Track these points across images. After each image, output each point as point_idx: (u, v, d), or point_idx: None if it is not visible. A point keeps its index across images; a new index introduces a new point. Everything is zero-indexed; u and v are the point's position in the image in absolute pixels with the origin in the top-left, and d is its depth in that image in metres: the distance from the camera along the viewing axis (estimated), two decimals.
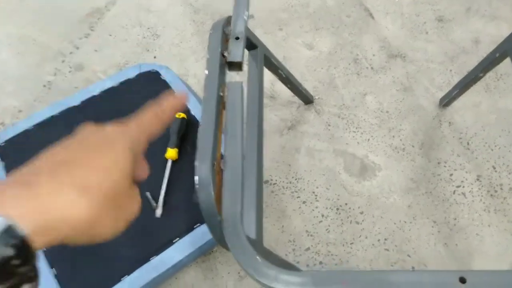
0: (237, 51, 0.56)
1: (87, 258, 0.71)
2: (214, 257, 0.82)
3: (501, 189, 0.87)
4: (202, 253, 0.79)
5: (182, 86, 0.90)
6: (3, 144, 0.84)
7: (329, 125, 0.99)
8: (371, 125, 0.98)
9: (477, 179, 0.89)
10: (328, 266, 0.80)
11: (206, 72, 0.53)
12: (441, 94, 1.01)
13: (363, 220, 0.85)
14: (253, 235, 0.51)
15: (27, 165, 0.25)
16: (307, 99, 1.00)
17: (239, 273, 0.80)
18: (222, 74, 0.54)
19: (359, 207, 0.87)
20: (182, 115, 0.84)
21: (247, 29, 0.60)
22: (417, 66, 1.08)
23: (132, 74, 0.93)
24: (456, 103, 0.98)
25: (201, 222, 0.74)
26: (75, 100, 0.89)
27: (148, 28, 1.20)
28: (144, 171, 0.31)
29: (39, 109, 1.03)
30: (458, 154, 0.92)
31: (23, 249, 0.21)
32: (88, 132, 0.28)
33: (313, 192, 0.89)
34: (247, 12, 0.60)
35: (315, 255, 0.82)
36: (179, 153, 0.81)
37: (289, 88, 0.91)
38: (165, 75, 0.92)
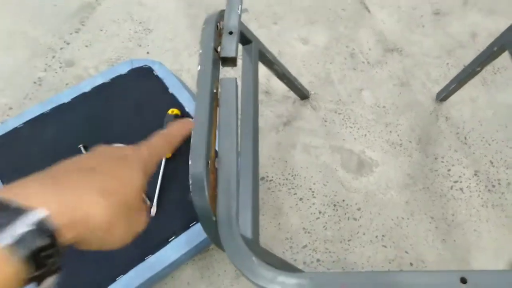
0: (231, 46, 0.54)
1: (81, 258, 0.70)
2: (211, 255, 0.81)
3: (499, 184, 0.87)
4: (198, 252, 0.78)
5: (176, 82, 0.88)
6: None
7: (325, 121, 0.98)
8: (367, 121, 0.97)
9: (475, 174, 0.88)
10: (325, 263, 0.80)
11: (199, 68, 0.51)
12: (438, 88, 1.00)
13: (360, 217, 0.84)
14: (249, 235, 0.50)
15: (52, 167, 0.27)
16: (303, 95, 0.98)
17: (236, 271, 0.79)
18: (215, 70, 0.52)
19: (356, 204, 0.86)
20: (176, 111, 0.82)
21: (241, 23, 0.58)
22: (413, 60, 1.07)
23: (123, 70, 0.91)
24: (453, 98, 0.97)
25: (197, 220, 0.73)
26: (66, 97, 0.87)
27: (140, 23, 1.18)
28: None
29: (30, 106, 1.01)
30: (455, 149, 0.92)
31: (53, 242, 0.22)
32: (105, 149, 0.30)
33: (310, 189, 0.88)
34: (241, 5, 0.58)
35: (313, 252, 0.81)
36: None
37: (284, 83, 0.90)
38: (158, 71, 0.90)
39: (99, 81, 0.89)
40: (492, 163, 0.90)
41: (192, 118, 0.83)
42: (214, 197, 0.45)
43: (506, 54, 0.72)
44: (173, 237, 0.72)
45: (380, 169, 0.90)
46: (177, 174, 0.78)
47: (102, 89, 0.88)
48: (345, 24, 1.14)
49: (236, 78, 0.53)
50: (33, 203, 0.21)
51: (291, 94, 0.99)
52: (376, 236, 0.82)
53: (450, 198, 0.86)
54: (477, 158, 0.90)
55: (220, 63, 0.55)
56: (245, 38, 0.66)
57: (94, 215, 0.24)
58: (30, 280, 0.21)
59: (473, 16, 1.14)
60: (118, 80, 0.89)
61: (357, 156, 0.92)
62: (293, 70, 0.98)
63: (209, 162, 0.45)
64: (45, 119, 0.85)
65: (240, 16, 0.58)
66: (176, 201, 0.76)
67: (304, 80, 1.03)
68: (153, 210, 0.74)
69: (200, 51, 0.52)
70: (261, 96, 1.01)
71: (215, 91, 0.51)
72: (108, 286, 0.67)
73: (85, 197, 0.24)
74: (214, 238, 0.45)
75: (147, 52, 1.12)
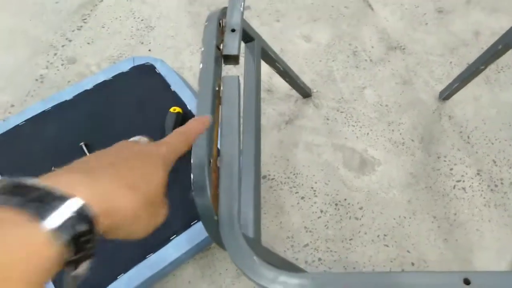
0: (233, 44, 0.54)
1: None
2: (212, 253, 0.81)
3: (502, 183, 0.86)
4: (199, 250, 0.78)
5: (178, 79, 0.88)
6: None
7: (327, 119, 0.97)
8: (370, 119, 0.96)
9: (478, 174, 0.88)
10: (327, 262, 0.79)
11: (201, 65, 0.51)
12: (441, 87, 0.99)
13: (362, 216, 0.84)
14: (250, 234, 0.50)
15: (86, 158, 0.28)
16: (305, 93, 0.98)
17: (237, 270, 0.79)
18: (217, 68, 0.52)
19: (358, 203, 0.85)
20: (178, 109, 0.82)
21: (243, 21, 0.58)
22: (416, 58, 1.06)
23: (125, 67, 0.90)
24: (456, 96, 0.97)
25: (198, 219, 0.73)
26: (68, 94, 0.87)
27: (142, 20, 1.17)
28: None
29: (31, 103, 1.01)
30: (458, 148, 0.91)
31: (92, 228, 0.23)
32: (130, 144, 0.32)
33: (312, 188, 0.88)
34: (243, 3, 0.58)
35: (314, 251, 0.80)
36: None
37: (286, 81, 0.89)
38: (159, 68, 0.90)
39: (101, 78, 0.89)
40: (495, 162, 0.89)
41: (194, 116, 0.83)
42: (216, 196, 0.45)
43: (510, 52, 0.71)
44: (174, 236, 0.72)
45: (383, 168, 0.90)
46: (178, 173, 0.78)
47: (104, 87, 0.88)
48: (348, 21, 1.14)
49: (238, 76, 0.53)
50: (74, 192, 0.23)
51: (293, 92, 0.99)
52: (378, 236, 0.82)
53: (453, 198, 0.85)
54: (480, 157, 0.90)
55: (222, 61, 0.54)
56: (248, 36, 0.66)
57: (124, 206, 0.26)
58: (68, 263, 0.23)
59: (476, 14, 1.13)
60: (120, 78, 0.89)
61: (359, 155, 0.92)
62: (295, 68, 0.97)
63: (211, 160, 0.45)
64: (47, 116, 0.85)
65: (242, 13, 0.57)
66: (177, 200, 0.76)
67: (306, 78, 1.02)
68: None
69: (202, 48, 0.52)
70: (263, 94, 1.01)
71: (217, 89, 0.50)
72: (109, 284, 0.67)
73: (116, 190, 0.26)
74: (215, 237, 0.44)
75: (149, 50, 1.11)
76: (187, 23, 1.16)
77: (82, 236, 0.23)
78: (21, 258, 0.20)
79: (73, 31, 1.16)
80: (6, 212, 0.21)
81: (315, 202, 0.86)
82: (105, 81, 0.89)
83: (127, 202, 0.27)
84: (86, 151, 0.79)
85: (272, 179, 0.89)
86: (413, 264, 0.78)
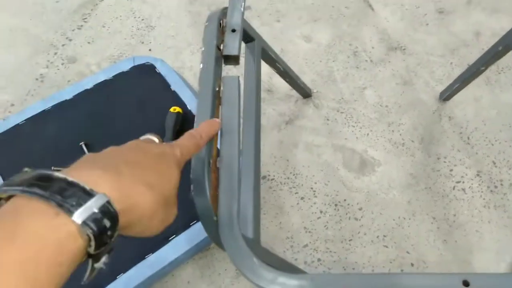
0: (234, 44, 0.54)
1: None
2: (211, 254, 0.81)
3: (501, 184, 0.86)
4: (198, 250, 0.77)
5: (178, 79, 0.88)
6: None
7: (327, 120, 0.97)
8: (370, 120, 0.96)
9: (477, 175, 0.88)
10: (326, 263, 0.79)
11: (201, 65, 0.51)
12: (441, 87, 0.99)
13: (362, 217, 0.84)
14: (250, 234, 0.50)
15: (106, 154, 0.29)
16: (305, 93, 0.98)
17: (236, 270, 0.79)
18: (218, 68, 0.51)
19: (358, 203, 0.85)
20: (178, 109, 0.82)
21: (244, 21, 0.57)
22: (417, 59, 1.06)
23: (126, 67, 0.90)
24: (457, 97, 0.97)
25: (197, 219, 0.73)
26: (68, 94, 0.87)
27: (143, 20, 1.17)
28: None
29: (32, 102, 1.01)
30: (458, 149, 0.91)
31: (115, 224, 0.24)
32: (146, 144, 0.33)
33: (312, 188, 0.88)
34: (244, 3, 0.58)
35: (313, 252, 0.80)
36: None
37: (287, 81, 0.89)
38: (160, 68, 0.90)
39: (101, 78, 0.89)
40: (494, 163, 0.89)
41: (194, 116, 0.83)
42: (216, 196, 0.45)
43: (511, 53, 0.71)
44: (174, 236, 0.72)
45: (382, 168, 0.90)
46: None
47: (104, 86, 0.88)
48: (348, 22, 1.14)
49: (238, 76, 0.53)
50: (98, 188, 0.24)
51: (294, 92, 0.99)
52: (378, 236, 0.82)
53: (452, 199, 0.85)
54: (480, 158, 0.90)
55: (223, 61, 0.54)
56: (248, 36, 0.66)
57: (142, 204, 0.27)
58: (89, 256, 0.24)
59: (477, 15, 1.13)
60: (120, 77, 0.89)
61: (359, 155, 0.92)
62: (296, 68, 0.97)
63: (211, 161, 0.45)
64: (47, 116, 0.85)
65: (243, 13, 0.57)
66: (176, 200, 0.76)
67: (307, 78, 1.02)
68: None
69: (203, 48, 0.52)
70: (263, 94, 1.01)
71: (217, 89, 0.50)
72: (108, 284, 0.67)
73: (135, 188, 0.27)
74: (214, 237, 0.44)
75: (149, 49, 1.11)
76: (187, 23, 1.16)
77: (106, 232, 0.24)
78: (50, 246, 0.21)
79: (73, 30, 1.16)
80: (35, 203, 0.22)
81: (314, 203, 0.86)
82: (105, 80, 0.89)
83: (146, 200, 0.27)
84: (86, 150, 0.79)
85: (272, 179, 0.89)
86: (412, 265, 0.78)
